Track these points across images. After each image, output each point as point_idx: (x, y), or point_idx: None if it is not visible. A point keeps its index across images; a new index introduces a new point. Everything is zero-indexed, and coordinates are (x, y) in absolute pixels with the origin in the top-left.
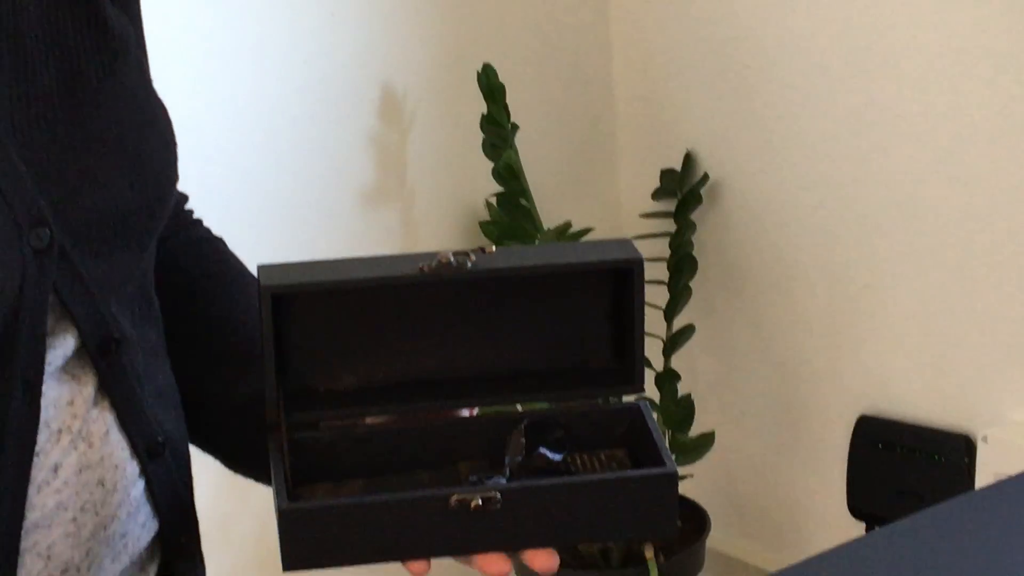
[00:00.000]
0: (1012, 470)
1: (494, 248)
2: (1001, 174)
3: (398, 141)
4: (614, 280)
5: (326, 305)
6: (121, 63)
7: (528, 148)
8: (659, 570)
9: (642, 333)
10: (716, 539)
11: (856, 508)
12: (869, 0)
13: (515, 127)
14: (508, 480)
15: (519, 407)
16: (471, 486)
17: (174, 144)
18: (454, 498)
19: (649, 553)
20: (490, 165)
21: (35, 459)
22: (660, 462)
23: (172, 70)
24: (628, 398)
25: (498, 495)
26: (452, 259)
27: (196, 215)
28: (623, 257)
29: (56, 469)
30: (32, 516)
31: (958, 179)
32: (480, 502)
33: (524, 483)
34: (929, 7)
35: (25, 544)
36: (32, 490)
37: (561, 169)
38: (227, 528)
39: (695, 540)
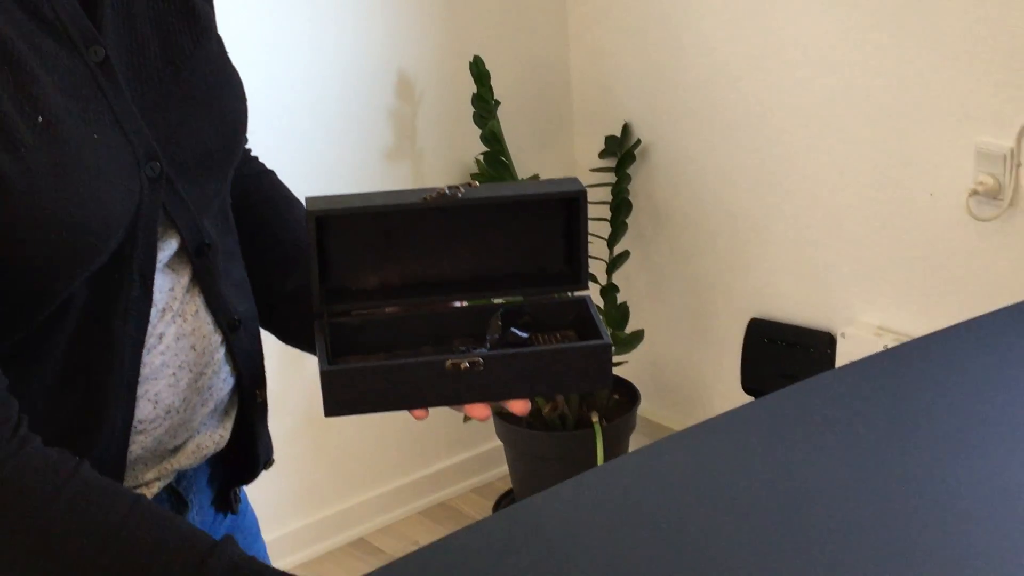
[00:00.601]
0: (860, 356)
1: (477, 183)
2: (854, 138)
3: (410, 113)
4: (566, 207)
5: (355, 225)
6: (205, 39)
7: (507, 119)
8: (602, 431)
9: (586, 247)
10: (644, 409)
11: (748, 387)
12: (761, 9)
13: (497, 103)
14: (488, 350)
15: (497, 300)
16: (461, 354)
17: (245, 100)
18: (448, 362)
19: (595, 418)
20: (478, 132)
21: (148, 329)
22: (599, 336)
23: (242, 55)
24: (577, 294)
25: (481, 360)
26: (447, 190)
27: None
28: (572, 189)
29: (161, 337)
30: (144, 371)
31: (825, 141)
32: (467, 365)
33: (499, 352)
34: (806, 16)
35: (140, 392)
36: (144, 352)
37: (531, 135)
38: (284, 394)
39: (628, 409)
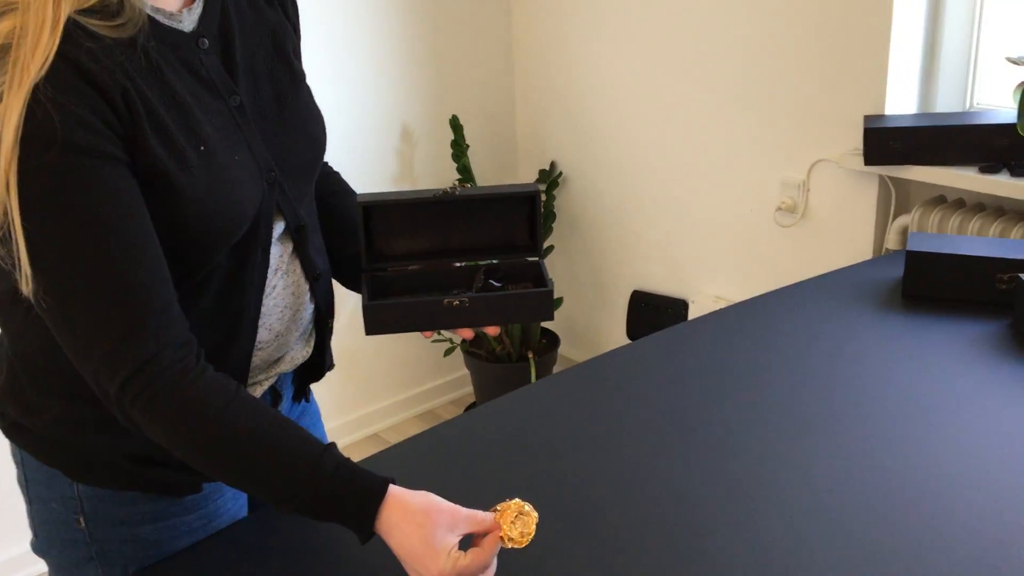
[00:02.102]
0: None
1: (469, 185)
2: (702, 171)
3: (409, 152)
4: (528, 201)
5: (390, 211)
6: (300, 87)
7: (474, 157)
8: (535, 364)
9: (541, 228)
10: (563, 350)
11: (631, 336)
12: (644, 87)
13: (467, 146)
14: (473, 294)
15: (481, 262)
16: (455, 295)
17: (324, 128)
18: (446, 301)
19: (530, 355)
20: (455, 165)
21: (265, 283)
22: (546, 286)
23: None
24: (533, 259)
25: (467, 300)
26: (449, 189)
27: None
28: (531, 189)
29: (274, 287)
30: (263, 310)
31: (683, 174)
32: (458, 303)
33: (480, 295)
34: (674, 91)
35: (260, 323)
36: (264, 297)
37: (490, 168)
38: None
39: (552, 349)
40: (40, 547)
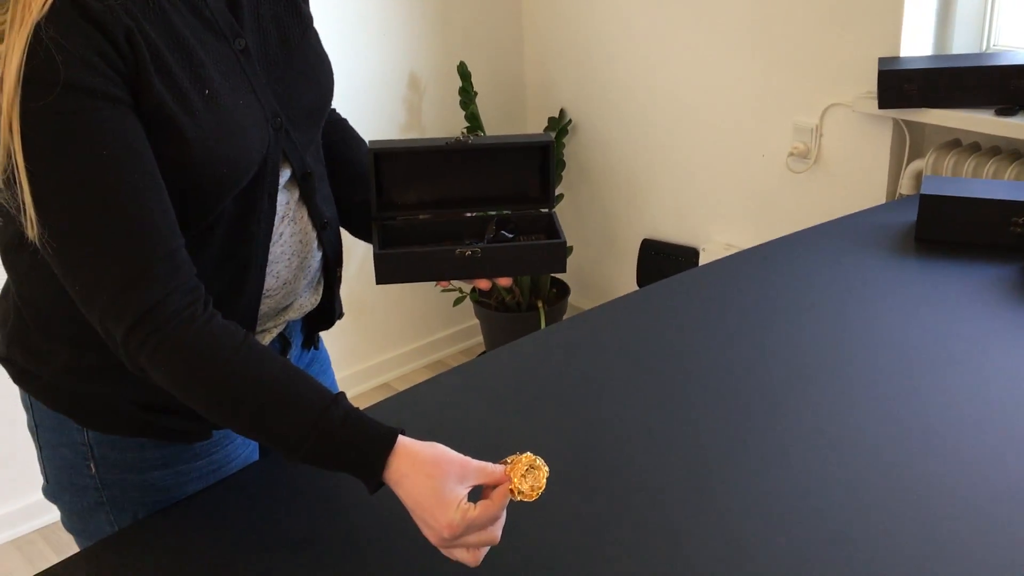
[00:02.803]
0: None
1: (481, 133)
2: (714, 119)
3: (417, 100)
4: (542, 151)
5: (401, 158)
6: (307, 31)
7: (482, 104)
8: (544, 313)
9: (554, 179)
10: (572, 298)
11: (641, 284)
12: (655, 34)
13: (475, 93)
14: (485, 244)
15: (492, 212)
16: (466, 246)
17: (332, 74)
18: (457, 251)
19: (540, 304)
20: (463, 113)
21: (272, 230)
22: (559, 237)
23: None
24: (545, 211)
25: (479, 250)
26: (462, 137)
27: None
28: (545, 140)
29: (281, 235)
30: (270, 257)
31: (694, 122)
32: (469, 253)
33: (493, 245)
34: (686, 40)
35: (267, 271)
36: (271, 244)
37: (498, 116)
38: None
39: (562, 299)
40: (51, 492)
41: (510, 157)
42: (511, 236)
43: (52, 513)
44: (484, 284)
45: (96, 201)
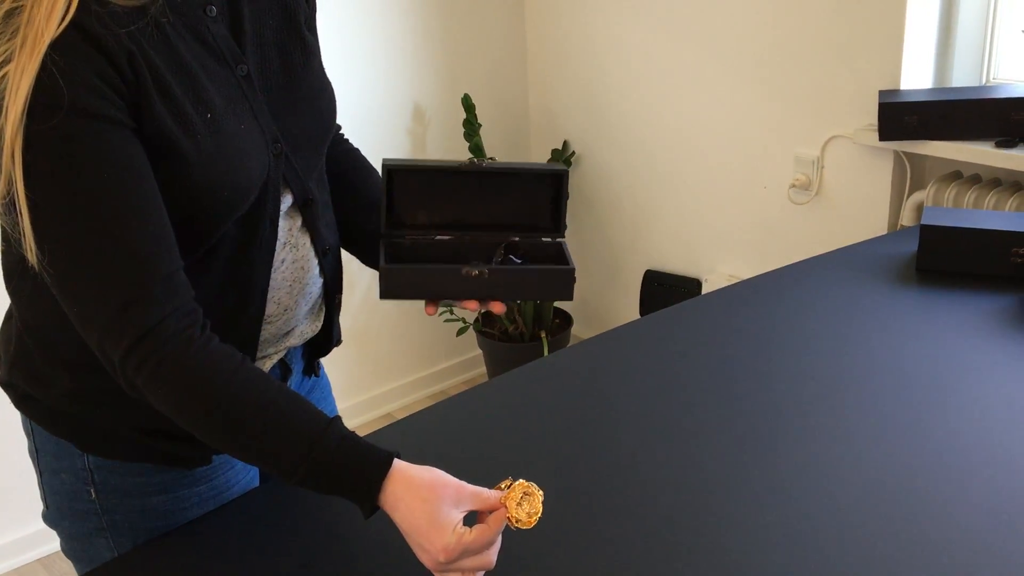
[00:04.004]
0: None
1: (495, 158)
2: (716, 150)
3: (422, 131)
4: (555, 180)
5: (413, 178)
6: (311, 59)
7: (486, 136)
8: (547, 343)
9: (565, 208)
10: (575, 329)
11: (643, 315)
12: (658, 67)
13: (479, 125)
14: (493, 266)
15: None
16: (473, 266)
17: (335, 101)
18: (464, 270)
19: (543, 334)
20: (467, 144)
21: (274, 256)
22: (568, 264)
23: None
24: (556, 240)
25: (486, 271)
26: (475, 161)
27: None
28: (560, 169)
29: (282, 261)
30: (271, 283)
31: (697, 153)
32: (476, 273)
33: (500, 267)
34: (689, 73)
35: (268, 297)
36: (272, 271)
37: (502, 147)
38: (349, 285)
39: (565, 329)
40: (51, 518)
41: (524, 184)
42: (519, 261)
43: (52, 543)
44: (472, 305)
45: (94, 223)
